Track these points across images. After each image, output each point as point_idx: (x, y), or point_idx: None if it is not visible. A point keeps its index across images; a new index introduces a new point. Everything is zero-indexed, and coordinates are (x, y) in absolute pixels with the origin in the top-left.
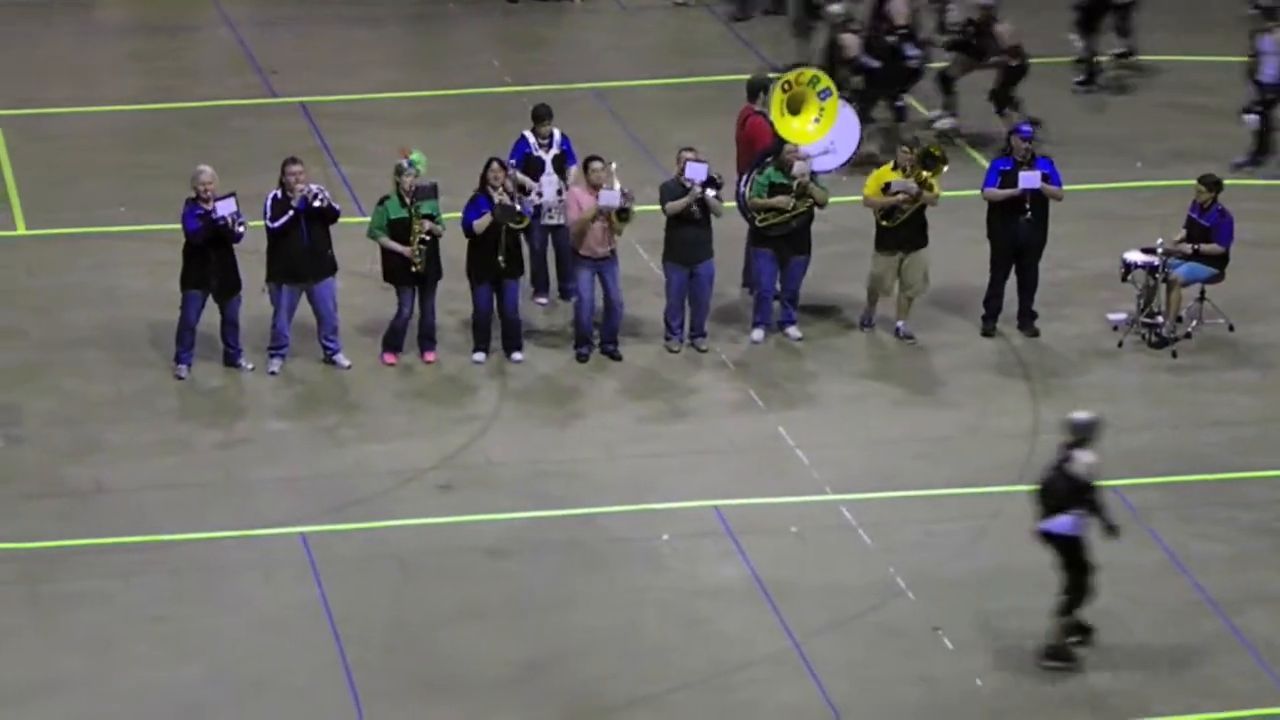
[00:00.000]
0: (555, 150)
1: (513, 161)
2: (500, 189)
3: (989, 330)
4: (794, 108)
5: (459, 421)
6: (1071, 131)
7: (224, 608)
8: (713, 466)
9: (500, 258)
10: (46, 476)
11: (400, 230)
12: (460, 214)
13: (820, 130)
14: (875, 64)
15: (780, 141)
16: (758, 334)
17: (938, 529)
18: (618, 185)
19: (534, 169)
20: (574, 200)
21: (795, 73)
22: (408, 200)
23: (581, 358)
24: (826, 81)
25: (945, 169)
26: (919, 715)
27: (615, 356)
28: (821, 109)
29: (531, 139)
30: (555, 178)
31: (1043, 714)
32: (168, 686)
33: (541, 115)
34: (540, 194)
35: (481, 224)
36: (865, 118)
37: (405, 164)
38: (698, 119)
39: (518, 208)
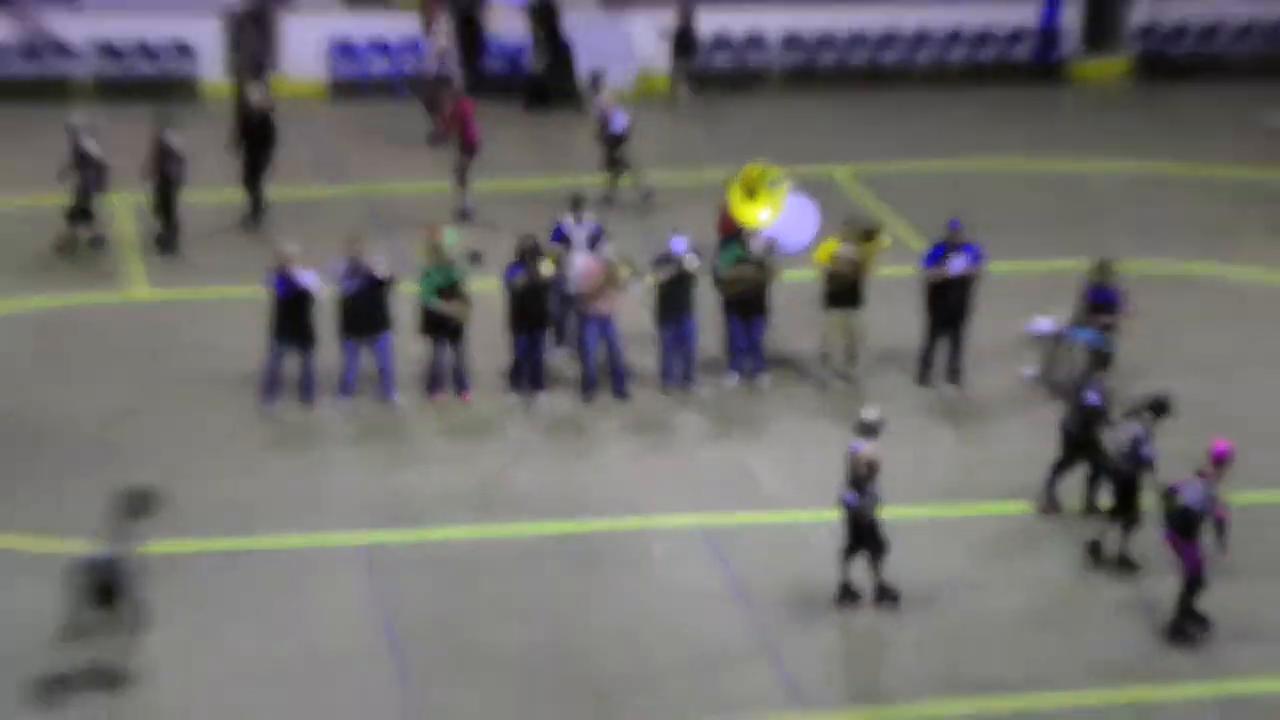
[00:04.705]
0: (586, 232)
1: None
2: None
3: (923, 381)
4: (750, 197)
5: (493, 452)
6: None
7: (298, 600)
8: (693, 487)
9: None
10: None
11: (443, 294)
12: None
13: (771, 217)
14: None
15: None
16: (730, 379)
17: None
18: (582, 260)
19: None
20: (587, 271)
21: (748, 168)
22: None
23: (588, 399)
24: (775, 173)
25: (886, 242)
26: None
27: (624, 395)
28: (772, 198)
29: (569, 223)
30: (586, 255)
31: None
32: (258, 658)
33: (578, 202)
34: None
35: (519, 281)
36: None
37: (446, 240)
38: (690, 210)
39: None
